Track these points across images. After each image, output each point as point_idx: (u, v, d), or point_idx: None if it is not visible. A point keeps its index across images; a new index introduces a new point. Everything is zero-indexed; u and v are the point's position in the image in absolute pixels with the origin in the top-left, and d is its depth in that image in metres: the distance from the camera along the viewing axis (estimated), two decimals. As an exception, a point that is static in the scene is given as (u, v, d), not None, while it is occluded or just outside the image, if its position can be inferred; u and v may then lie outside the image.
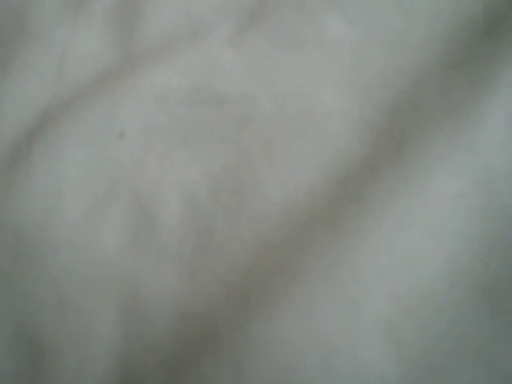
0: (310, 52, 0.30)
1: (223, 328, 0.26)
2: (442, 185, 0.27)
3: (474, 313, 0.25)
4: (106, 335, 0.27)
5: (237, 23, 0.32)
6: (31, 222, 0.29)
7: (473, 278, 0.25)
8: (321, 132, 0.29)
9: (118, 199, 0.29)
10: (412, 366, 0.25)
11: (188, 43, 0.32)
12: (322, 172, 0.28)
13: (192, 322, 0.27)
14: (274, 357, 0.25)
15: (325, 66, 0.30)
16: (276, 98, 0.30)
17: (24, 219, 0.29)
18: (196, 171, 0.29)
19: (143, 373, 0.26)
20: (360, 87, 0.29)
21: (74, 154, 0.30)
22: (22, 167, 0.30)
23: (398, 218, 0.27)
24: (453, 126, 0.28)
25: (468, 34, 0.29)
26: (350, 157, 0.28)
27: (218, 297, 0.27)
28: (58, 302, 0.28)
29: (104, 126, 0.31)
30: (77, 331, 0.27)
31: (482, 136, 0.27)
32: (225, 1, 0.33)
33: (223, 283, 0.27)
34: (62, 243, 0.29)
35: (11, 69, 0.33)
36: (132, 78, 0.31)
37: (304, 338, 0.26)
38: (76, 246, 0.28)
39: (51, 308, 0.28)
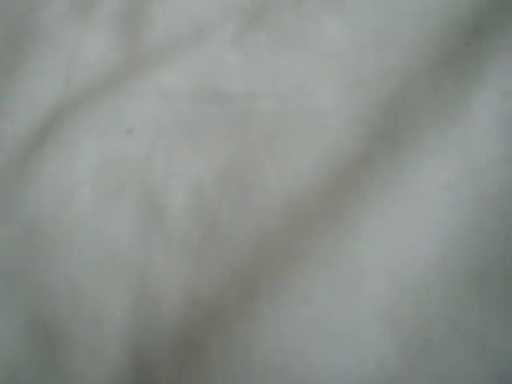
0: (309, 51, 0.32)
1: (231, 313, 0.27)
2: (433, 175, 0.28)
3: (463, 294, 0.26)
4: (118, 321, 0.28)
5: (238, 24, 0.33)
6: (44, 215, 0.30)
7: (462, 262, 0.27)
8: (320, 127, 0.30)
9: (127, 192, 0.30)
10: (407, 345, 0.26)
11: (192, 43, 0.33)
12: (320, 165, 0.29)
13: (200, 308, 0.27)
14: (279, 340, 0.26)
15: (323, 64, 0.31)
16: (277, 95, 0.31)
17: (37, 212, 0.30)
18: (201, 165, 0.30)
19: (154, 357, 0.27)
20: (356, 85, 0.31)
21: (84, 150, 0.31)
22: (35, 163, 0.31)
23: (392, 207, 0.28)
24: (443, 120, 0.29)
25: (456, 33, 0.30)
26: (347, 150, 0.29)
27: (225, 283, 0.28)
28: (71, 290, 0.28)
29: (113, 122, 0.31)
30: (89, 318, 0.28)
31: (470, 129, 0.29)
32: (227, 3, 0.34)
33: (230, 270, 0.28)
34: (74, 234, 0.29)
35: (22, 69, 0.33)
36: (138, 76, 0.32)
37: (307, 321, 0.27)
38: (87, 237, 0.29)
39: (64, 296, 0.28)
